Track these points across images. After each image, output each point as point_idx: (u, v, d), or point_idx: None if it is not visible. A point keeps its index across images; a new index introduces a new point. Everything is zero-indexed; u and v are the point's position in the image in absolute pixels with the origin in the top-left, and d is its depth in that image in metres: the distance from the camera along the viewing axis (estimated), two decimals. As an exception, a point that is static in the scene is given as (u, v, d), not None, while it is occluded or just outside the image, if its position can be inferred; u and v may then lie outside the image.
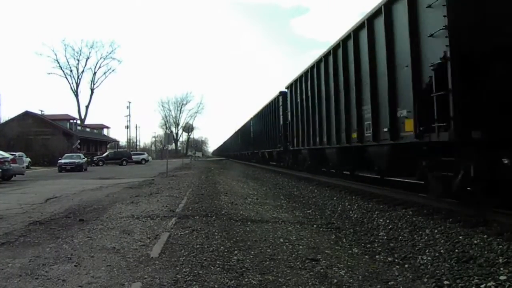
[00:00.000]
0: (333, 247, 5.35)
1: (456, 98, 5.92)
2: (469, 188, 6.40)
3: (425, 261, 4.57)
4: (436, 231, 5.51)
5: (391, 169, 9.08)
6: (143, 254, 4.76)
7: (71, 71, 65.58)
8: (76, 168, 29.67)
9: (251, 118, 31.85)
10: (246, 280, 3.86)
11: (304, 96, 14.66)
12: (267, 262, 4.46)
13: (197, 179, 17.19)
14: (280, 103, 19.53)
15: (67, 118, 59.03)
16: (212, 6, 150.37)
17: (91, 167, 37.79)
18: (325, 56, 11.93)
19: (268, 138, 23.16)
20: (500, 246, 4.49)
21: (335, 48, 10.97)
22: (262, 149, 26.38)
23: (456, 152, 6.33)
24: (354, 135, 9.66)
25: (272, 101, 22.14)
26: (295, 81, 16.03)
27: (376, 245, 5.52)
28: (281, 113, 19.47)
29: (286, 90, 18.31)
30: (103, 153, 52.44)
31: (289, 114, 17.57)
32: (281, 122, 19.32)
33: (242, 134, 40.02)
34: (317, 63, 12.83)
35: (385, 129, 8.04)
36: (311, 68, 13.55)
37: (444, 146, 6.51)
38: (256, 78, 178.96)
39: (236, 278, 3.89)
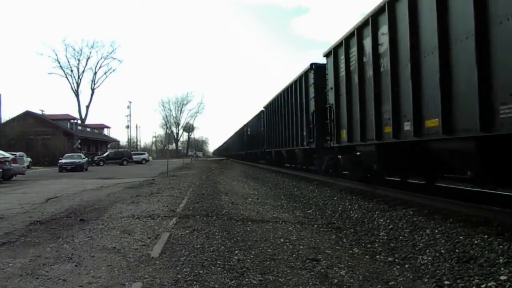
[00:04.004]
0: (333, 247, 5.34)
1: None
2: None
3: (425, 261, 4.57)
4: (436, 231, 5.50)
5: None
6: (144, 254, 4.77)
7: (71, 71, 65.59)
8: (77, 168, 29.71)
9: (245, 125, 38.22)
10: (246, 280, 3.86)
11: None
12: (268, 262, 4.46)
13: (197, 179, 17.20)
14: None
15: (67, 118, 59.07)
16: (212, 6, 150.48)
17: (92, 167, 37.83)
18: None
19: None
20: (501, 246, 4.48)
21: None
22: (252, 150, 33.10)
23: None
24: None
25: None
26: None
27: (376, 245, 5.51)
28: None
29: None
30: (103, 153, 52.40)
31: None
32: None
33: (239, 136, 43.85)
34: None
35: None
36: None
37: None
38: (256, 78, 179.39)
39: (237, 278, 3.89)
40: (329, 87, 11.21)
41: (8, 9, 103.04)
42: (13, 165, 19.72)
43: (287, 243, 5.37)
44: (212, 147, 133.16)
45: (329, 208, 8.66)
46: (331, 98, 11.07)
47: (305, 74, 14.56)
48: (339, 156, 11.87)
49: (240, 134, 42.20)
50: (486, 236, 4.89)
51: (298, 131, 15.70)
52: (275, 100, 21.02)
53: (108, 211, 8.13)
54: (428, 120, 6.44)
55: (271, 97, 22.69)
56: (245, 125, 37.60)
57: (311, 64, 13.72)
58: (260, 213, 8.01)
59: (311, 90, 13.73)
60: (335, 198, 9.71)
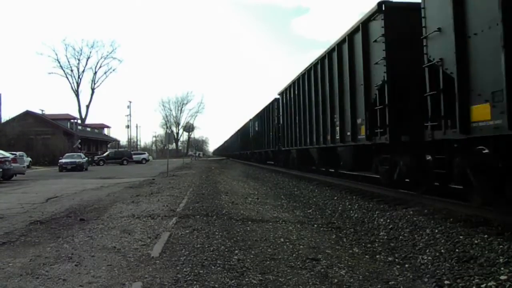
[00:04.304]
0: (333, 246, 5.34)
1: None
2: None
3: (425, 260, 4.57)
4: (436, 230, 5.51)
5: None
6: (144, 253, 4.77)
7: (71, 70, 65.65)
8: (77, 167, 29.71)
9: (250, 120, 32.93)
10: (246, 279, 3.86)
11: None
12: (268, 262, 4.46)
13: (197, 178, 17.20)
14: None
15: (67, 118, 59.04)
16: (212, 6, 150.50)
17: (92, 166, 37.83)
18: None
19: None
20: (501, 246, 4.49)
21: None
22: (259, 149, 28.01)
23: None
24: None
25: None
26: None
27: (376, 244, 5.51)
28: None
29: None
30: (103, 153, 52.43)
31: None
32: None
33: (242, 134, 40.57)
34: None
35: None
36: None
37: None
38: (256, 78, 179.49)
39: (237, 277, 3.89)
40: (434, 28, 6.44)
41: (8, 9, 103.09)
42: (13, 164, 19.73)
43: (287, 243, 5.37)
44: (212, 147, 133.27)
45: (329, 208, 8.65)
46: (441, 49, 6.31)
47: (363, 26, 9.07)
48: (429, 158, 7.54)
49: (244, 131, 37.78)
50: (486, 236, 4.90)
51: (346, 118, 10.26)
52: (299, 80, 15.23)
53: (108, 211, 8.13)
54: None
55: (291, 79, 17.01)
56: (250, 120, 32.42)
57: (381, 3, 8.22)
58: (260, 212, 8.01)
59: (377, 49, 8.43)
60: (335, 198, 9.71)
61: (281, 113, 19.62)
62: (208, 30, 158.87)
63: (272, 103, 22.57)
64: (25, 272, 4.13)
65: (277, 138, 20.69)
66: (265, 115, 24.95)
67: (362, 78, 9.18)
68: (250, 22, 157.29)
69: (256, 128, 29.14)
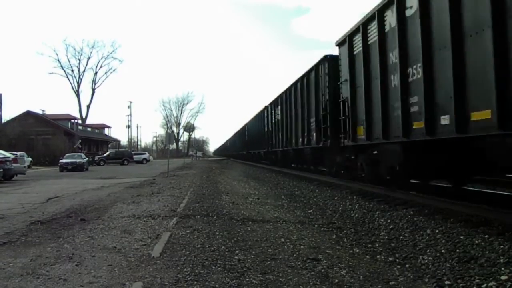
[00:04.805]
0: (334, 247, 5.34)
1: None
2: None
3: (426, 261, 4.56)
4: (437, 231, 5.50)
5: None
6: (144, 253, 4.77)
7: (72, 70, 65.92)
8: (77, 167, 29.75)
9: (246, 124, 35.57)
10: (247, 279, 3.86)
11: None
12: (268, 262, 4.46)
13: (198, 179, 17.20)
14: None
15: (68, 118, 59.09)
16: (213, 6, 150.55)
17: (92, 166, 37.86)
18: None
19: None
20: (502, 246, 4.48)
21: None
22: (254, 150, 30.70)
23: None
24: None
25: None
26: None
27: (377, 245, 5.51)
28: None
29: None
30: (104, 153, 52.49)
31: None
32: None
33: (240, 136, 42.24)
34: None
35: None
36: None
37: None
38: (257, 78, 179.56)
39: (237, 277, 3.89)
40: None
41: (8, 9, 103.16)
42: (14, 165, 19.75)
43: (288, 243, 5.37)
44: (212, 147, 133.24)
45: (329, 208, 8.65)
46: None
47: None
48: None
49: (254, 125, 30.45)
50: (486, 236, 4.89)
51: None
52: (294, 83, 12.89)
53: (109, 211, 8.13)
54: None
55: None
56: (266, 108, 24.34)
57: None
58: (260, 213, 8.01)
59: None
60: (336, 198, 9.71)
61: (348, 77, 10.37)
62: (208, 30, 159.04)
63: (263, 111, 18.46)
64: (26, 272, 4.13)
65: (331, 125, 12.15)
66: (258, 120, 21.97)
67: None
68: (250, 22, 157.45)
69: (278, 117, 20.61)
